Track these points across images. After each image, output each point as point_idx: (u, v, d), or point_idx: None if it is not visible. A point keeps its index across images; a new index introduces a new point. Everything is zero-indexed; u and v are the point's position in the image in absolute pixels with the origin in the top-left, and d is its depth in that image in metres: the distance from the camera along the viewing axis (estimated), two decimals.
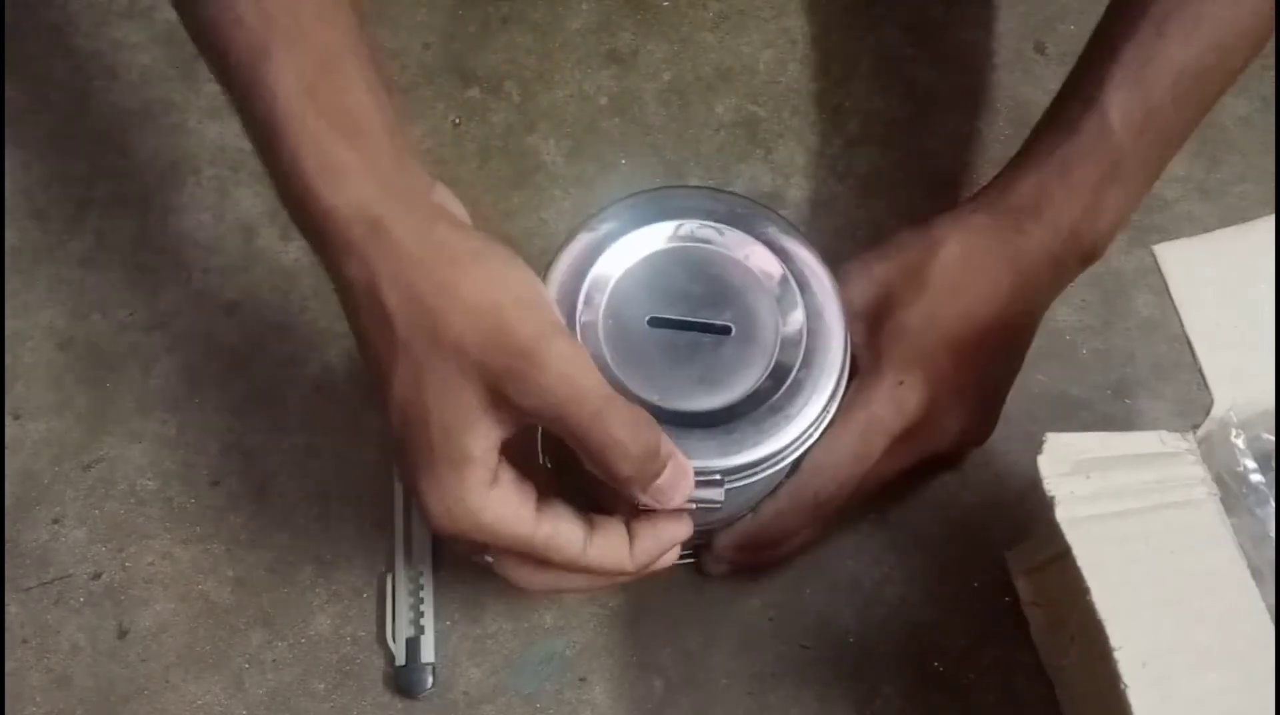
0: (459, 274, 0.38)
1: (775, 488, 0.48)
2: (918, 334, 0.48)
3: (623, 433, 0.37)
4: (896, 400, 0.48)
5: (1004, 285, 0.49)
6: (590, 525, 0.41)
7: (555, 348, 0.37)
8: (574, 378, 0.37)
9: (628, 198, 0.46)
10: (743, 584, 0.53)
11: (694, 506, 0.42)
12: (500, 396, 0.37)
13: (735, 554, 0.51)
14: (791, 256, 0.45)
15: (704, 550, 0.52)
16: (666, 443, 0.39)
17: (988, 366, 0.50)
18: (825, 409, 0.43)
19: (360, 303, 0.38)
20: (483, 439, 0.38)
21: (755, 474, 0.42)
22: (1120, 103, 0.48)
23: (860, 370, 0.48)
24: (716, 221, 0.46)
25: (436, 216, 0.40)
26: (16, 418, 0.55)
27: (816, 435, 0.44)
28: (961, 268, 0.49)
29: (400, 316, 0.37)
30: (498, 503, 0.39)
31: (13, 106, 0.63)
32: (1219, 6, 0.48)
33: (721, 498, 0.42)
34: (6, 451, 0.55)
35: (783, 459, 0.43)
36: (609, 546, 0.41)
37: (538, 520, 0.40)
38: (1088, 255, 0.50)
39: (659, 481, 0.39)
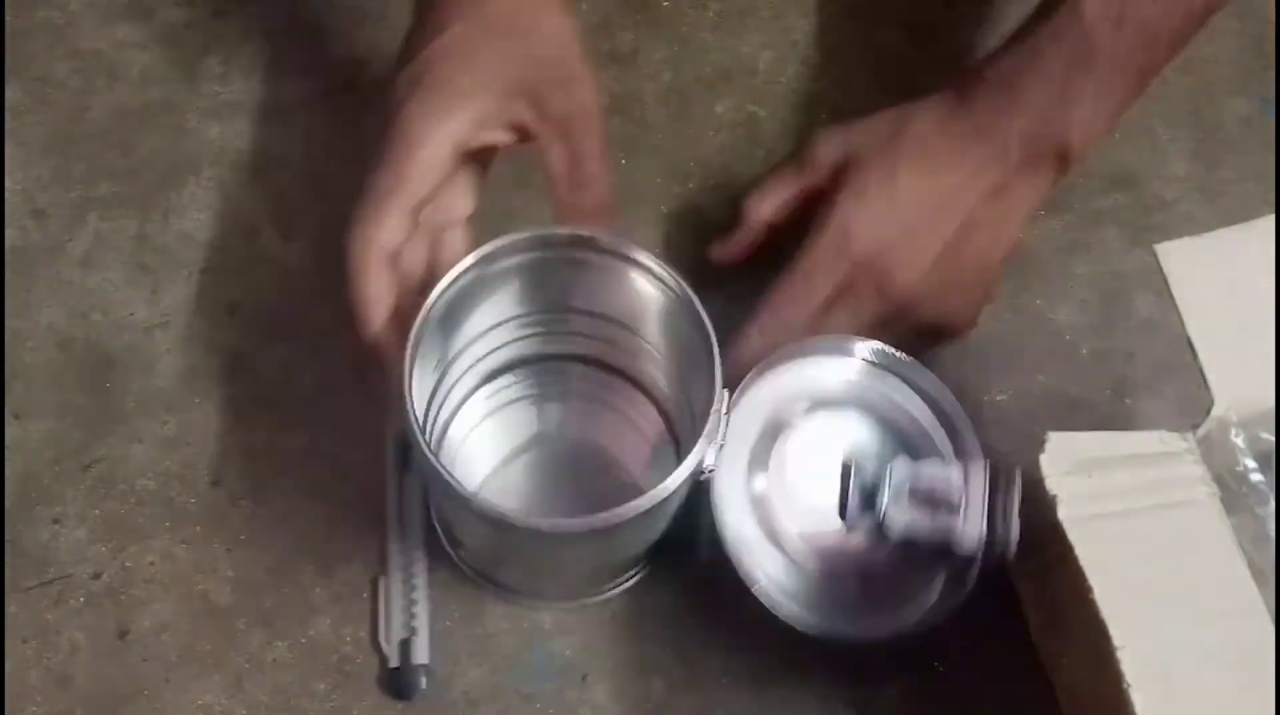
0: (558, 13, 0.47)
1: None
2: (877, 188, 0.50)
3: (606, 162, 0.47)
4: (837, 247, 0.50)
5: (970, 154, 0.50)
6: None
7: (594, 86, 0.47)
8: (597, 105, 0.47)
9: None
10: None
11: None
12: (531, 95, 0.45)
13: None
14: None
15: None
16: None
17: (958, 236, 0.51)
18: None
19: None
20: (488, 101, 0.45)
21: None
22: None
23: (816, 221, 0.51)
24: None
25: None
26: (17, 418, 0.55)
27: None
28: (930, 134, 0.51)
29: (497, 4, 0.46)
30: (441, 156, 0.45)
31: (13, 106, 0.63)
32: None
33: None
34: (7, 451, 0.55)
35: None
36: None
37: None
38: (1060, 149, 0.50)
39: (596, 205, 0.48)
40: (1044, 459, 0.45)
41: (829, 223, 0.51)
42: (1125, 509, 0.44)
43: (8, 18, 0.65)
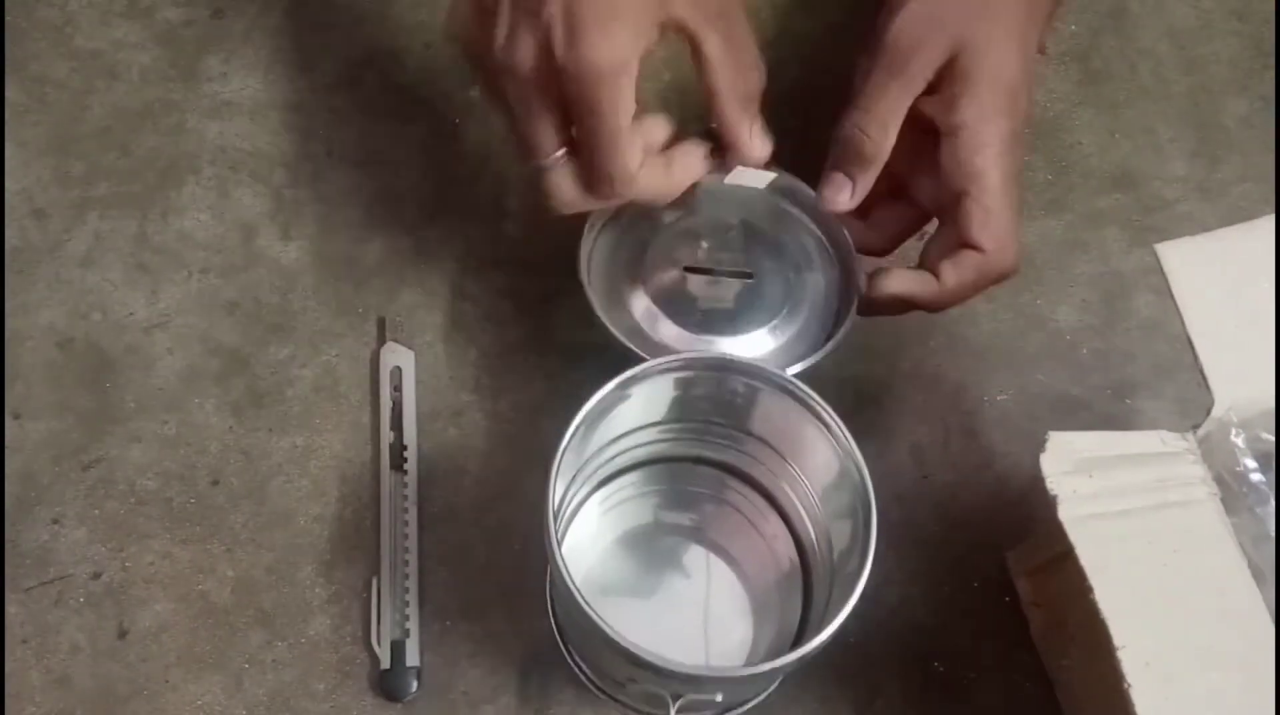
0: None
1: None
2: (1007, 68, 0.49)
3: (755, 47, 0.48)
4: (1011, 113, 0.49)
5: None
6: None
7: None
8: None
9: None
10: None
11: None
12: None
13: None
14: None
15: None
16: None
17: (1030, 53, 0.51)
18: None
19: None
20: (645, 15, 0.45)
21: None
22: None
23: (972, 125, 0.48)
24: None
25: None
26: (16, 418, 0.55)
27: None
28: None
29: None
30: (633, 69, 0.45)
31: (13, 106, 0.63)
32: None
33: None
34: (6, 451, 0.55)
35: None
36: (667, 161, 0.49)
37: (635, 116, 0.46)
38: None
39: (749, 105, 0.48)
40: (1044, 459, 0.44)
41: (985, 127, 0.48)
42: (1126, 509, 0.44)
43: (7, 17, 0.65)
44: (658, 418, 0.50)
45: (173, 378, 0.57)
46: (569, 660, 0.51)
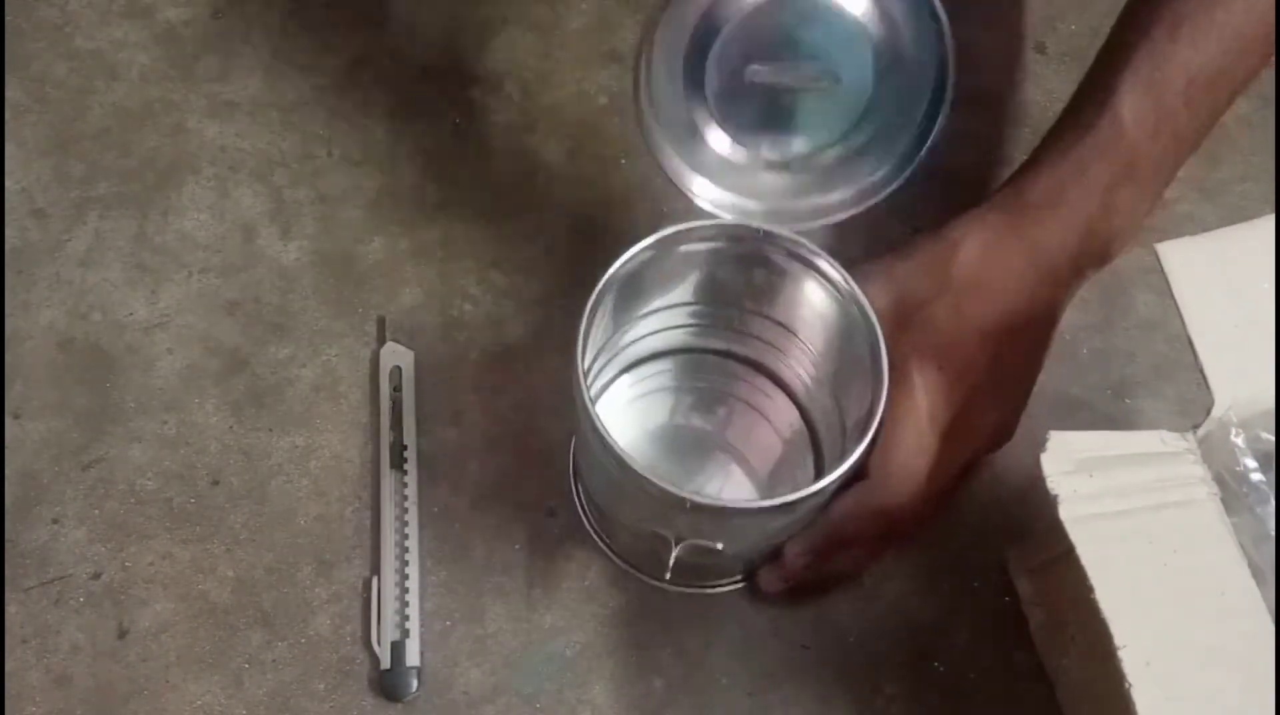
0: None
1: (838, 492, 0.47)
2: (946, 327, 0.49)
3: None
4: (940, 389, 0.48)
5: (1025, 279, 0.50)
6: None
7: None
8: None
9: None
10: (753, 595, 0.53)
11: None
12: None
13: (804, 561, 0.50)
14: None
15: (760, 570, 0.52)
16: None
17: (1015, 359, 0.51)
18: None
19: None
20: None
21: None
22: (1133, 105, 0.48)
23: (895, 368, 0.48)
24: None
25: None
26: (16, 417, 0.55)
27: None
28: (981, 263, 0.50)
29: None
30: None
31: (13, 105, 0.63)
32: (1233, 13, 0.48)
33: None
34: (6, 451, 0.55)
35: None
36: None
37: None
38: (1101, 255, 0.51)
39: None
40: (1045, 458, 0.45)
41: (920, 379, 0.49)
42: (1126, 509, 0.44)
43: (7, 17, 0.65)
44: (686, 298, 0.50)
45: (173, 378, 0.57)
46: (586, 521, 0.53)
